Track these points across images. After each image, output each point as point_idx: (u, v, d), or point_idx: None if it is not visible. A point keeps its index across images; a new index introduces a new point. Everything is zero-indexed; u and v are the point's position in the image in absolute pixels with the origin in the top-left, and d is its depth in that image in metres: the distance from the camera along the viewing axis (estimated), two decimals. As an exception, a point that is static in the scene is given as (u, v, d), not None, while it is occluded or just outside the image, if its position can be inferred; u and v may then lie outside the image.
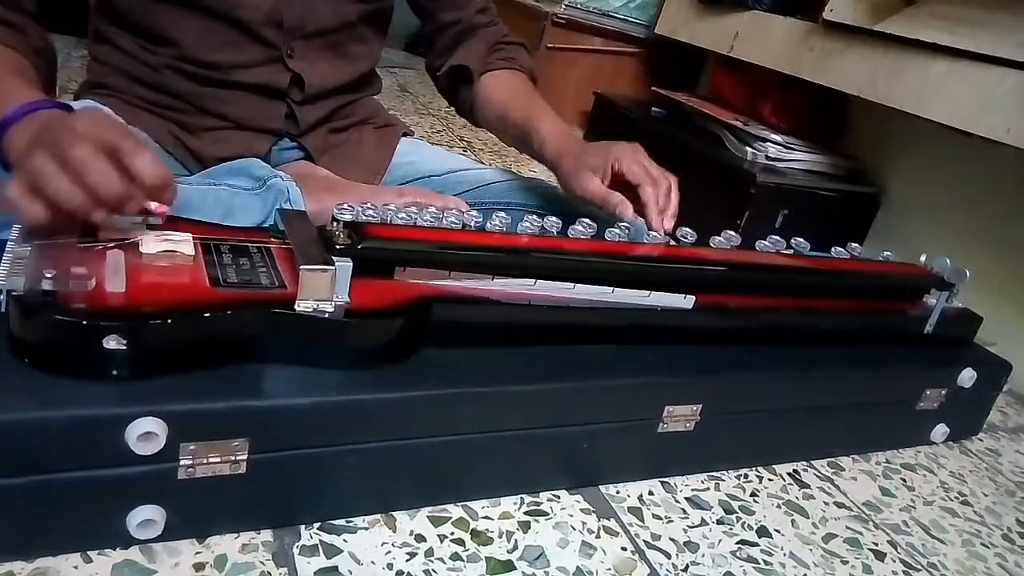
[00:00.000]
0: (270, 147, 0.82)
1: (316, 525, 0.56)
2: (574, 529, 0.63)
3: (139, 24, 0.75)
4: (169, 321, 0.47)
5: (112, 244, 0.52)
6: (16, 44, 0.65)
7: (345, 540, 0.55)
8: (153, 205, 0.52)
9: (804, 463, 0.81)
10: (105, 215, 0.50)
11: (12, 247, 0.50)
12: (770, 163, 1.50)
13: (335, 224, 0.57)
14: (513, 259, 0.63)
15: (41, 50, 0.68)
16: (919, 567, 0.70)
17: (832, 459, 0.83)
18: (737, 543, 0.66)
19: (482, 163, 0.99)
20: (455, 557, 0.57)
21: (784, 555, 0.66)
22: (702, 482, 0.73)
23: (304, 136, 0.84)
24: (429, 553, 0.56)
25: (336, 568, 0.53)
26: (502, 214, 0.66)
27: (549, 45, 2.01)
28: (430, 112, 2.20)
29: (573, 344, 0.65)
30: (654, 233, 0.72)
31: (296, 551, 0.53)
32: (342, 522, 0.57)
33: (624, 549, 0.62)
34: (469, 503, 0.62)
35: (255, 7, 0.74)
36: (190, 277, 0.52)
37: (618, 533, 0.64)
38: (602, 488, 0.68)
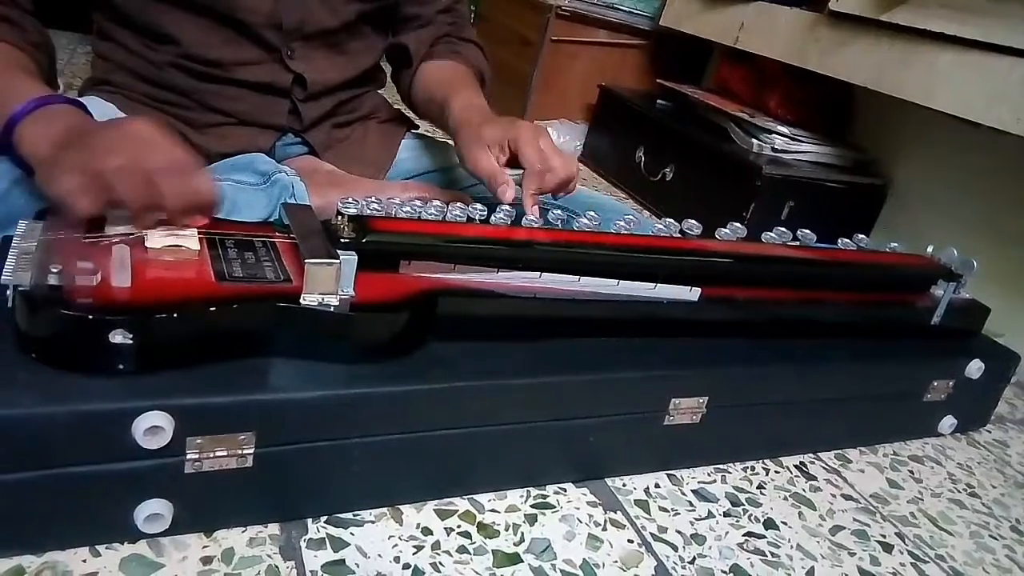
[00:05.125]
0: (274, 142, 0.82)
1: (323, 518, 0.56)
2: (580, 522, 0.63)
3: (140, 22, 0.75)
4: (175, 315, 0.47)
5: (117, 239, 0.52)
6: (12, 39, 0.65)
7: (352, 533, 0.55)
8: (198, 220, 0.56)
9: (811, 455, 0.81)
10: (154, 219, 0.53)
11: (18, 242, 0.50)
12: (776, 155, 1.49)
13: (340, 218, 0.57)
14: (518, 252, 0.63)
15: (39, 44, 0.68)
16: (927, 559, 0.69)
17: (839, 451, 0.83)
18: (744, 535, 0.66)
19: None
20: (462, 550, 0.57)
21: (791, 547, 0.66)
22: (709, 475, 0.73)
23: (308, 131, 0.84)
24: (436, 546, 0.56)
25: (343, 561, 0.53)
26: (507, 207, 0.66)
27: (553, 38, 2.01)
28: (434, 106, 2.20)
29: (579, 337, 0.65)
30: (530, 218, 0.68)
31: (303, 544, 0.53)
32: (349, 515, 0.57)
33: (631, 542, 0.62)
34: (475, 496, 0.62)
35: (254, 9, 0.74)
36: (195, 271, 0.52)
37: (625, 526, 0.64)
38: (608, 481, 0.68)
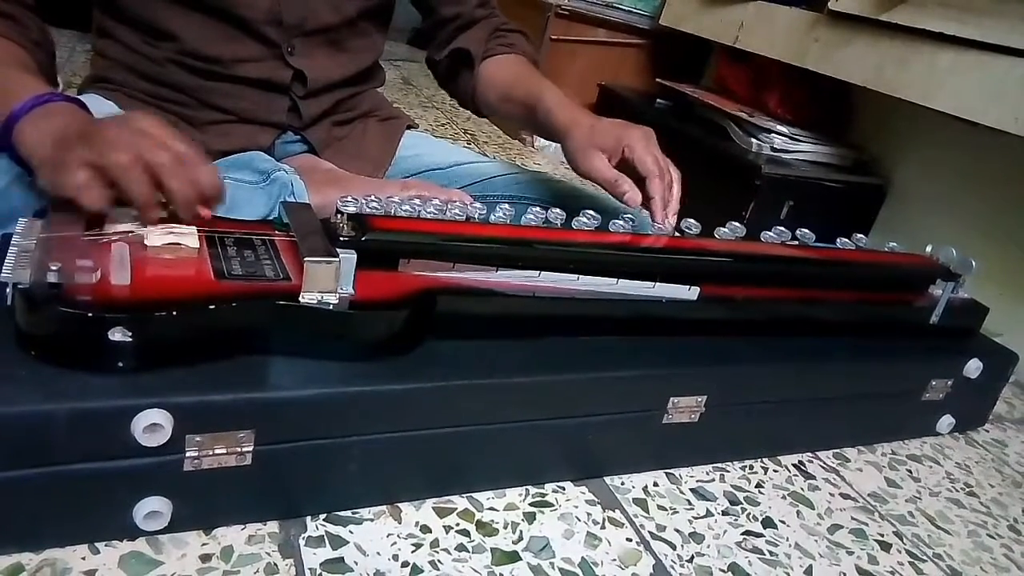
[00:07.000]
0: (273, 140, 0.82)
1: (322, 516, 0.56)
2: (579, 520, 0.63)
3: (140, 19, 0.75)
4: (174, 313, 0.47)
5: (117, 237, 0.52)
6: (13, 36, 0.65)
7: (351, 531, 0.55)
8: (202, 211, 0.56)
9: (809, 454, 0.81)
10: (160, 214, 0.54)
11: (17, 240, 0.50)
12: (775, 154, 1.49)
13: (339, 216, 0.57)
14: (517, 251, 0.63)
15: (39, 42, 0.68)
16: (925, 558, 0.69)
17: (838, 450, 0.83)
18: (742, 534, 0.66)
19: (486, 156, 0.99)
20: (460, 548, 0.57)
21: (789, 546, 0.66)
22: (707, 473, 0.73)
23: (307, 129, 0.84)
24: (435, 544, 0.56)
25: (342, 559, 0.53)
26: (506, 206, 0.66)
27: (553, 37, 2.00)
28: (434, 105, 2.20)
29: (578, 336, 0.65)
30: (659, 225, 0.72)
31: (302, 542, 0.53)
32: (348, 513, 0.57)
33: (629, 540, 0.62)
34: (474, 494, 0.62)
35: (255, 6, 0.74)
36: (195, 269, 0.52)
37: (623, 524, 0.64)
38: (607, 479, 0.68)
